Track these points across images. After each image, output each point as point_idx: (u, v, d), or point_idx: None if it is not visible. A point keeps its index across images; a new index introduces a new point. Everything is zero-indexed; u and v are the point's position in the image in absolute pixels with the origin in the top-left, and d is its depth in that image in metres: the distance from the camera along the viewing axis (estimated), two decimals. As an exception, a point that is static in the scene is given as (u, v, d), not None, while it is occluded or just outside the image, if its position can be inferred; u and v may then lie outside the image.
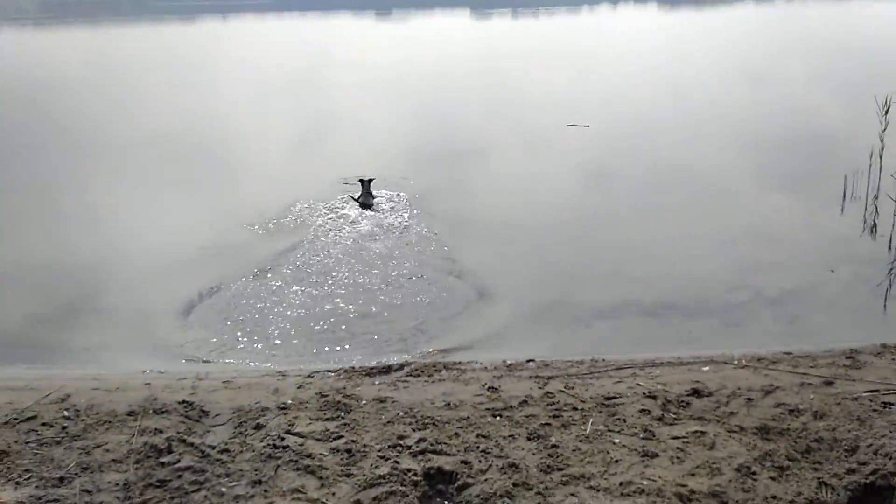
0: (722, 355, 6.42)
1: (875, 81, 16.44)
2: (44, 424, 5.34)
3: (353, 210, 11.19)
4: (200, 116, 21.92)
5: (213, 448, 4.97)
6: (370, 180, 11.71)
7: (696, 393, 5.63)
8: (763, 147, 14.85)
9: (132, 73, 35.56)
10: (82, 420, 5.41)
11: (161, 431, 5.18)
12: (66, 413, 5.50)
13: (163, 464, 4.77)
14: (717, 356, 6.41)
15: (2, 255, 9.83)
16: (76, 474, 4.71)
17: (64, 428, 5.29)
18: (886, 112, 11.25)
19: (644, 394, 5.63)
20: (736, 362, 6.24)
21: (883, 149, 11.26)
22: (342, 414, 5.43)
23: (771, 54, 33.70)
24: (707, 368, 6.16)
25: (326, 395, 5.73)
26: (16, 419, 5.39)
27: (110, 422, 5.37)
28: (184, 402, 5.66)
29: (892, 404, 5.24)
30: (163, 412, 5.50)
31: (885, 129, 11.24)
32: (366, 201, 11.36)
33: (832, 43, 37.49)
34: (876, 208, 10.38)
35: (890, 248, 9.18)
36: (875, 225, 9.93)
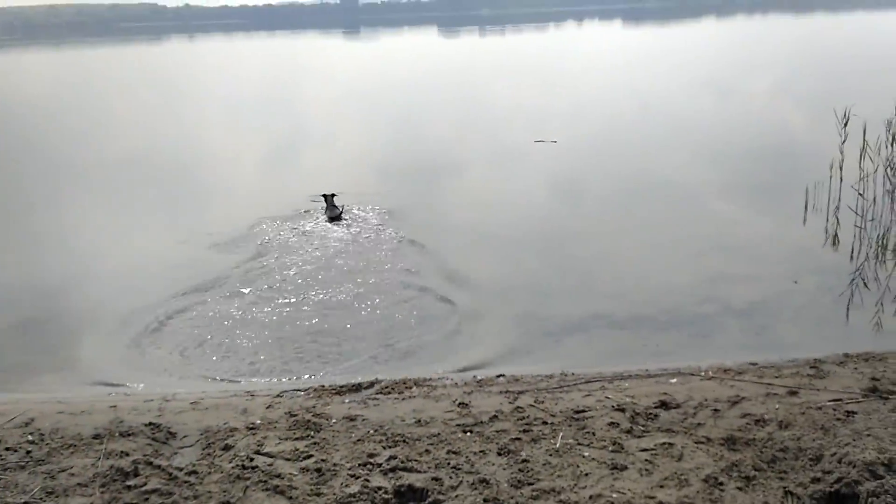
0: (689, 367, 6.49)
1: (835, 94, 16.83)
2: (7, 449, 5.23)
3: (320, 226, 11.21)
4: (169, 136, 21.86)
5: (181, 470, 4.91)
6: (332, 195, 11.79)
7: (664, 405, 5.68)
8: (728, 160, 15.11)
9: (100, 94, 35.32)
10: (47, 444, 5.32)
11: (127, 454, 5.11)
12: (30, 437, 5.41)
13: (129, 487, 4.69)
14: (684, 368, 6.47)
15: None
16: (41, 499, 4.62)
17: (28, 452, 5.20)
18: (846, 125, 11.51)
19: (613, 407, 5.66)
20: (703, 374, 6.31)
21: (843, 161, 11.51)
22: (312, 433, 5.39)
23: (735, 69, 34.28)
24: (675, 380, 6.21)
25: (296, 415, 5.69)
26: (-23, 445, 5.28)
27: (75, 445, 5.28)
28: (150, 423, 5.59)
29: (855, 413, 5.32)
30: (129, 434, 5.43)
31: (844, 142, 11.50)
32: (332, 214, 11.39)
33: (794, 57, 38.27)
34: (837, 219, 10.57)
35: (851, 258, 9.34)
36: (836, 236, 10.10)
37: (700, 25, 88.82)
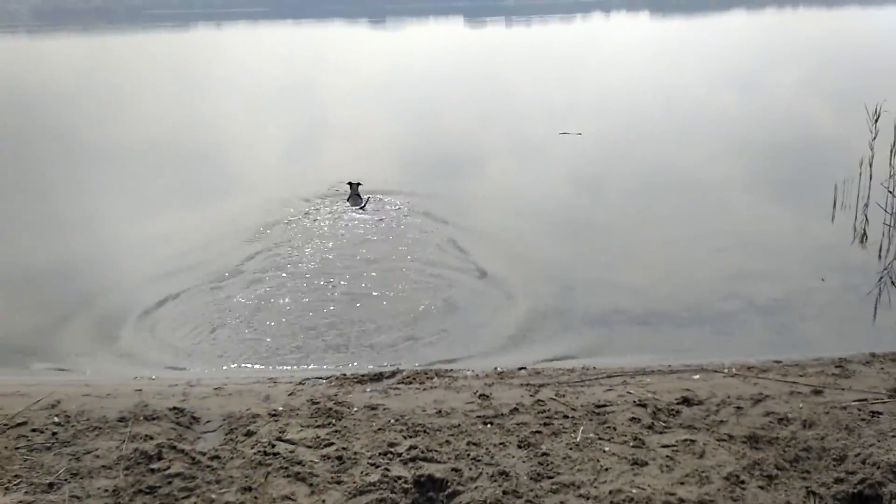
0: (712, 364, 6.45)
1: (865, 90, 16.55)
2: (34, 430, 5.32)
3: (344, 214, 11.25)
4: (195, 123, 22.00)
5: (204, 454, 4.96)
6: (357, 184, 11.83)
7: (686, 401, 5.65)
8: (755, 155, 14.95)
9: (125, 81, 35.63)
10: (72, 426, 5.40)
11: (151, 438, 5.17)
12: (56, 419, 5.49)
13: (153, 470, 4.75)
14: (707, 364, 6.43)
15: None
16: (66, 480, 4.69)
17: (54, 434, 5.28)
18: (876, 121, 11.34)
19: (634, 402, 5.64)
20: (726, 371, 6.26)
21: (873, 157, 11.34)
22: (333, 421, 5.42)
23: (763, 62, 33.87)
24: (697, 377, 6.18)
25: (317, 402, 5.73)
26: (6, 425, 5.37)
27: (100, 428, 5.36)
28: (174, 408, 5.65)
29: (881, 413, 5.27)
30: (153, 418, 5.49)
31: (874, 138, 11.33)
32: (355, 203, 11.43)
33: (824, 51, 37.73)
34: (866, 217, 10.43)
35: (879, 256, 9.22)
36: (865, 234, 9.97)
37: (729, 18, 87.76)
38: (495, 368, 6.55)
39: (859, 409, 5.35)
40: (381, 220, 11.11)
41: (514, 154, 15.84)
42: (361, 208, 11.41)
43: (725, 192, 12.32)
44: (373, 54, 51.40)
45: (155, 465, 4.81)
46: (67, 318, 8.00)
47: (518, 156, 15.61)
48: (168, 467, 4.78)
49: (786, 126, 17.76)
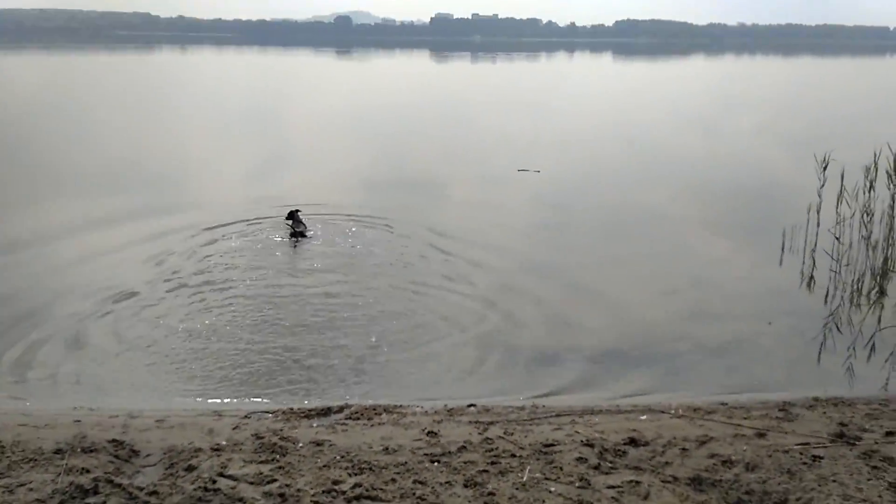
0: (659, 404, 6.50)
1: (816, 138, 17.08)
2: (-35, 461, 5.13)
3: (289, 241, 11.36)
4: (152, 145, 21.83)
5: (142, 490, 4.83)
6: (297, 210, 11.88)
7: (633, 442, 5.67)
8: (709, 197, 15.30)
9: (86, 100, 35.19)
10: (7, 457, 5.22)
11: (88, 471, 5.02)
12: (-11, 450, 5.31)
13: (87, 505, 4.61)
14: (654, 405, 6.48)
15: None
16: (-5, 515, 4.53)
17: (-13, 465, 5.10)
18: (825, 168, 11.67)
19: (582, 441, 5.64)
20: (672, 412, 6.31)
21: (821, 204, 11.65)
22: (277, 457, 5.33)
23: (721, 107, 34.79)
24: (644, 417, 6.21)
25: (262, 437, 5.63)
26: (-65, 456, 5.18)
27: (36, 460, 5.19)
28: (114, 440, 5.50)
29: (822, 458, 5.34)
30: (91, 451, 5.34)
31: (822, 186, 11.65)
32: (296, 230, 11.49)
33: (779, 98, 38.86)
34: (813, 262, 10.67)
35: (826, 301, 9.42)
36: (812, 278, 10.19)
37: (688, 63, 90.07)
38: (445, 405, 6.52)
39: (801, 453, 5.42)
40: (334, 248, 11.10)
41: (472, 188, 15.93)
42: (301, 235, 11.43)
43: (680, 234, 12.55)
44: (337, 84, 51.56)
45: (90, 500, 4.67)
46: (7, 344, 7.76)
47: (476, 190, 15.71)
48: (104, 502, 4.64)
49: (740, 170, 18.23)
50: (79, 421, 5.90)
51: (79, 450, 5.33)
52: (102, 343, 7.85)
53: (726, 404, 6.53)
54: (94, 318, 8.45)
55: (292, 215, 11.86)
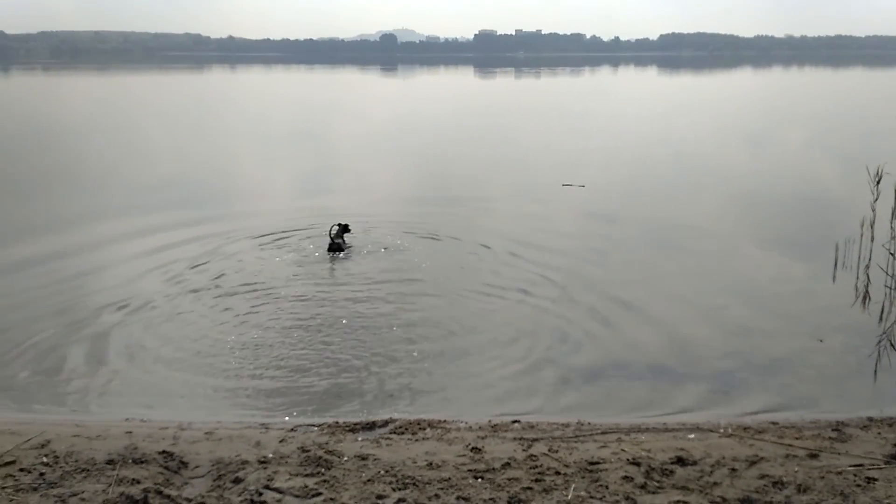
0: (708, 423, 6.39)
1: (868, 150, 16.69)
2: (22, 470, 5.28)
3: (342, 256, 11.49)
4: (204, 162, 22.31)
5: (190, 501, 4.91)
6: (345, 224, 11.98)
7: (681, 461, 5.58)
8: (758, 212, 15.03)
9: (139, 118, 36.13)
10: (60, 467, 5.36)
11: (138, 482, 5.12)
12: (45, 459, 5.45)
13: (137, 516, 4.70)
14: (702, 423, 6.37)
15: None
16: (49, 523, 4.64)
17: (42, 475, 5.24)
18: (878, 182, 11.37)
19: (628, 460, 5.58)
20: (721, 430, 6.20)
21: (874, 218, 11.35)
22: (322, 470, 5.37)
23: (769, 120, 34.23)
24: (692, 436, 6.11)
25: (308, 450, 5.68)
26: (-7, 463, 5.33)
27: (88, 470, 5.32)
28: (164, 452, 5.61)
29: (876, 479, 5.20)
30: (142, 462, 5.45)
31: (876, 199, 11.35)
32: (335, 241, 11.60)
33: (829, 111, 38.10)
34: (868, 278, 10.40)
35: (880, 319, 9.17)
36: (867, 294, 9.93)
37: (735, 76, 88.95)
38: (489, 421, 6.49)
39: (855, 475, 5.28)
40: (379, 261, 11.21)
41: (517, 203, 15.90)
42: (338, 249, 11.55)
43: (728, 248, 12.34)
44: (382, 100, 52.06)
45: (140, 511, 4.76)
46: (63, 355, 7.97)
47: (521, 205, 15.66)
48: (153, 513, 4.73)
49: (790, 184, 17.88)
50: (130, 432, 6.03)
51: (130, 461, 5.45)
52: (152, 353, 8.02)
53: (777, 423, 6.40)
54: (144, 328, 8.67)
55: (341, 228, 11.98)
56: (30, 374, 7.62)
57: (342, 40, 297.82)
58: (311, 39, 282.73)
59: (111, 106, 44.23)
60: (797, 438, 6.01)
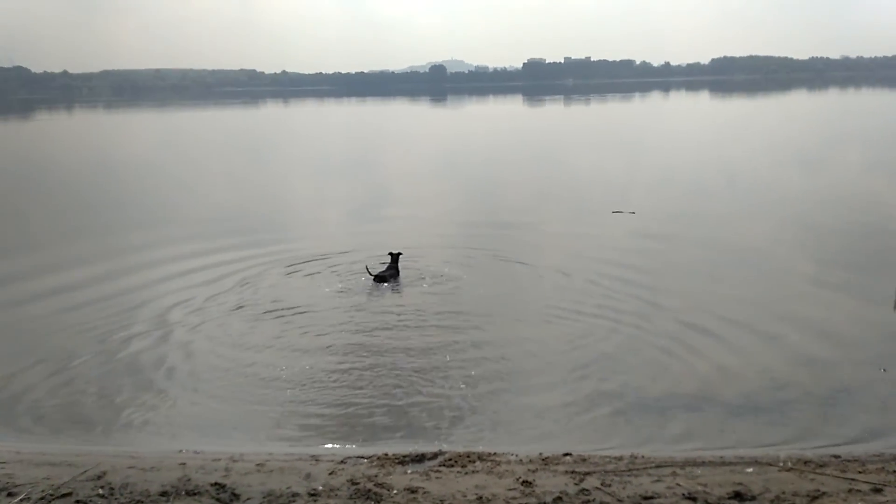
0: (766, 456, 6.19)
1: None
2: (77, 502, 5.39)
3: (386, 287, 11.59)
4: (259, 194, 22.81)
5: (241, 534, 4.94)
6: (398, 253, 12.01)
7: (739, 496, 5.42)
8: (816, 237, 14.68)
9: (198, 153, 37.16)
10: (115, 499, 5.45)
11: (191, 514, 5.18)
12: (100, 491, 5.55)
13: (190, 548, 4.74)
14: (761, 457, 6.18)
15: (51, 329, 10.09)
16: (104, 555, 4.71)
17: (97, 507, 5.33)
18: (942, 207, 11.03)
19: (684, 495, 5.43)
20: (781, 464, 6.01)
21: (939, 245, 11.00)
22: (372, 503, 5.36)
23: (826, 143, 33.55)
24: (751, 470, 5.93)
25: (357, 483, 5.68)
26: (52, 495, 5.45)
27: (142, 502, 5.40)
28: (216, 483, 5.67)
29: (947, 516, 4.97)
30: (195, 494, 5.51)
31: (941, 225, 11.01)
32: (381, 274, 11.71)
33: (889, 133, 37.14)
34: (933, 305, 10.04)
35: (947, 347, 8.83)
36: (931, 323, 9.59)
37: (790, 99, 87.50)
38: (540, 454, 6.40)
39: (924, 512, 5.06)
40: (428, 289, 11.25)
41: (566, 231, 15.83)
42: (384, 280, 11.62)
43: (785, 275, 12.05)
44: (432, 130, 52.53)
45: (192, 543, 4.80)
46: (118, 388, 8.15)
47: (570, 233, 15.58)
48: (205, 545, 4.77)
49: (849, 208, 17.40)
50: (184, 464, 6.11)
51: (183, 492, 5.51)
52: (204, 382, 8.20)
53: (839, 457, 6.17)
54: (195, 356, 8.92)
55: (393, 258, 12.05)
56: (86, 405, 7.83)
57: (392, 72, 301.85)
58: (362, 72, 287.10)
59: (170, 141, 45.56)
60: (860, 472, 5.78)
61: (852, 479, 5.63)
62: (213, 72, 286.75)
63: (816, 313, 10.16)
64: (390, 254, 12.14)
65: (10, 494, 5.48)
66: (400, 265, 12.08)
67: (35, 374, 8.54)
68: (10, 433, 7.22)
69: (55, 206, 20.80)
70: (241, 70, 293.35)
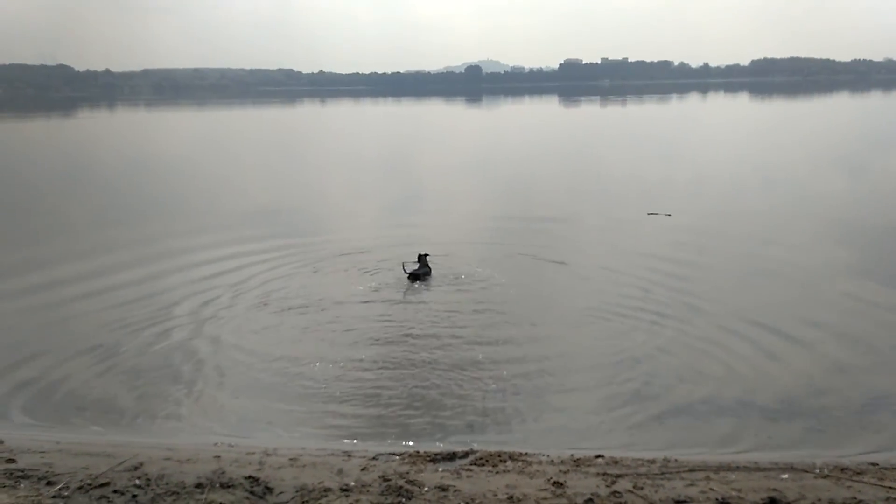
0: (802, 462, 6.10)
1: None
2: (115, 492, 5.48)
3: (419, 285, 11.63)
4: (296, 192, 23.00)
5: (274, 527, 4.99)
6: (425, 254, 12.05)
7: (774, 502, 5.35)
8: (856, 241, 14.40)
9: (237, 152, 37.59)
10: (152, 490, 5.54)
11: (225, 506, 5.25)
12: (137, 482, 5.65)
13: (223, 539, 4.81)
14: (797, 463, 6.09)
15: (91, 321, 10.30)
16: (140, 544, 4.80)
17: (134, 497, 5.42)
18: None
19: (717, 500, 5.38)
20: (817, 471, 5.91)
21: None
22: (403, 500, 5.38)
23: (868, 146, 32.91)
24: (786, 476, 5.85)
25: (389, 479, 5.71)
26: (89, 485, 5.55)
27: (178, 493, 5.48)
28: (250, 477, 5.74)
29: None
30: (229, 486, 5.58)
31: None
32: (415, 272, 11.76)
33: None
34: (977, 312, 9.81)
35: None
36: (975, 330, 9.37)
37: (831, 101, 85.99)
38: (571, 455, 6.37)
39: (965, 523, 4.95)
40: (462, 288, 11.27)
41: (601, 232, 15.73)
42: (417, 278, 11.69)
43: (824, 280, 11.84)
44: (467, 130, 52.54)
45: (226, 534, 4.87)
46: (155, 380, 8.30)
47: (605, 234, 15.48)
48: (238, 537, 4.83)
49: (888, 212, 17.05)
50: (218, 456, 6.19)
51: (217, 485, 5.59)
52: (239, 380, 8.30)
53: (877, 465, 6.05)
54: (230, 350, 9.05)
55: (421, 257, 12.12)
56: (124, 397, 7.98)
57: (428, 72, 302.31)
58: (398, 72, 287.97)
59: (210, 139, 46.16)
60: (900, 481, 5.68)
61: (890, 488, 5.53)
62: (252, 71, 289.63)
63: (855, 319, 9.98)
64: (419, 255, 12.19)
65: (49, 483, 5.61)
66: (432, 263, 12.13)
67: (74, 367, 8.73)
68: (51, 424, 7.39)
69: (97, 205, 21.19)
70: (279, 69, 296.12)
